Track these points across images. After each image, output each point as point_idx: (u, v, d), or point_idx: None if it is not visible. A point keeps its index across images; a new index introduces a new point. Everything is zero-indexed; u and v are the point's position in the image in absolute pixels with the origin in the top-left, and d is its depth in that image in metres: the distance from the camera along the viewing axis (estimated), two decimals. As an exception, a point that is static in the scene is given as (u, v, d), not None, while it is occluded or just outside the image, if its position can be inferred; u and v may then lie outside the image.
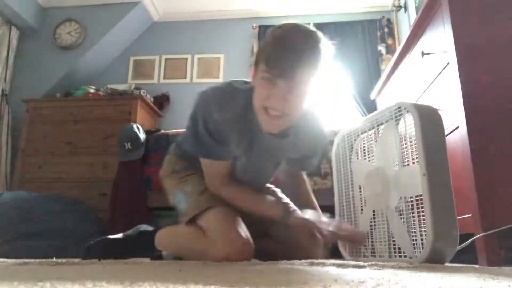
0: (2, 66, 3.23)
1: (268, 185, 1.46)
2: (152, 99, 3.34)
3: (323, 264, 0.93)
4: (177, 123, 3.11)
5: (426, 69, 1.56)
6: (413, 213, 1.10)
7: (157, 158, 2.30)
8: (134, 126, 2.49)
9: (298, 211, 1.17)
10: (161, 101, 3.49)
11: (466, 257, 1.17)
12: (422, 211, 1.05)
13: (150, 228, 1.39)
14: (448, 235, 1.04)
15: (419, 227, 1.07)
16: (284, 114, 1.01)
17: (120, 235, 1.35)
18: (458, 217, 1.07)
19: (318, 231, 1.14)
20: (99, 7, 3.55)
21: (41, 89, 3.31)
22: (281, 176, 1.48)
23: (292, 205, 1.21)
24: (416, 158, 1.10)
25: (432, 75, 1.50)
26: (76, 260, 1.02)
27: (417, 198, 1.08)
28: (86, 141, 2.84)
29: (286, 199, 1.28)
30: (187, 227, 1.22)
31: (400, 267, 0.87)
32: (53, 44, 3.46)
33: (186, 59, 3.72)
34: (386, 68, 2.18)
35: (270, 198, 1.25)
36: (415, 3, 2.88)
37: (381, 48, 3.36)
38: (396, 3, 3.31)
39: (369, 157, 1.31)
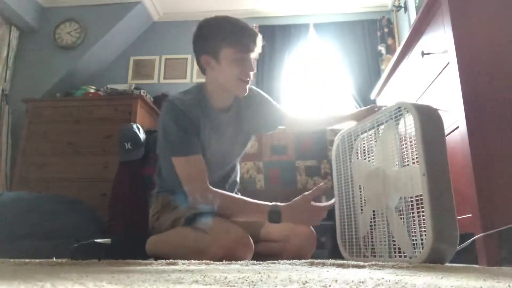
0: (2, 66, 3.23)
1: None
2: (152, 99, 3.35)
3: (323, 264, 0.93)
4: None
5: (426, 69, 1.56)
6: (413, 213, 1.10)
7: (157, 158, 2.30)
8: (134, 126, 2.49)
9: (285, 207, 1.20)
10: (161, 101, 3.50)
11: (466, 257, 1.17)
12: (422, 211, 1.04)
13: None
14: (448, 235, 1.04)
15: (419, 227, 1.06)
16: (251, 79, 1.31)
17: (108, 240, 1.34)
18: (458, 217, 1.07)
19: (311, 223, 1.23)
20: (99, 7, 3.55)
21: (41, 89, 3.31)
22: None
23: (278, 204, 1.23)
24: (416, 158, 1.10)
25: (432, 75, 1.50)
26: (76, 260, 1.02)
27: (417, 198, 1.08)
28: (86, 141, 2.84)
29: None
30: (184, 228, 1.23)
31: (400, 267, 0.87)
32: (53, 44, 3.46)
33: (186, 59, 3.72)
34: (386, 68, 2.18)
35: (254, 200, 1.27)
36: (415, 3, 2.88)
37: (381, 48, 3.36)
38: (396, 3, 3.31)
39: (369, 157, 1.31)
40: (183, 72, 3.69)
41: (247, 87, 1.33)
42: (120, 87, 3.25)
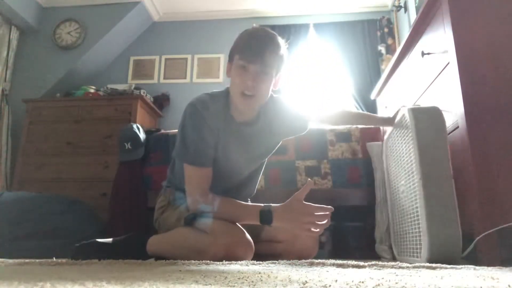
0: (2, 66, 3.23)
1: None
2: (152, 99, 3.35)
3: (323, 264, 0.93)
4: (177, 123, 3.09)
5: (426, 69, 1.56)
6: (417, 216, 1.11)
7: (157, 158, 2.30)
8: (134, 126, 2.49)
9: (277, 207, 1.15)
10: (161, 101, 3.50)
11: (466, 257, 1.17)
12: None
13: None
14: (448, 237, 1.04)
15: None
16: (255, 94, 1.21)
17: (109, 240, 1.34)
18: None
19: (305, 228, 1.14)
20: (99, 7, 3.55)
21: (41, 89, 3.30)
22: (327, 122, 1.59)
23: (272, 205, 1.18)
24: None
25: (432, 75, 1.50)
26: (76, 260, 1.02)
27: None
28: (86, 141, 2.84)
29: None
30: (185, 228, 1.23)
31: (400, 267, 0.87)
32: (53, 44, 3.46)
33: (186, 59, 3.72)
34: (386, 68, 2.18)
35: (250, 204, 1.25)
36: (415, 3, 2.88)
37: (381, 48, 3.36)
38: (396, 3, 3.31)
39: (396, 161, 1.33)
40: (183, 72, 3.69)
41: (251, 102, 1.23)
42: (120, 87, 3.25)
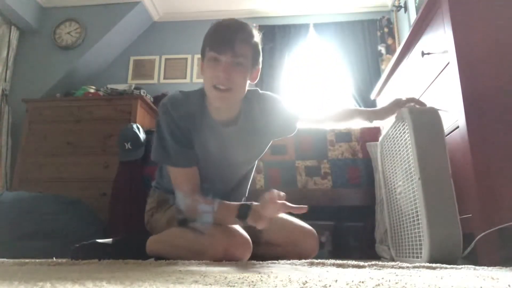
0: (2, 66, 3.23)
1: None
2: (152, 99, 3.35)
3: (323, 264, 0.93)
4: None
5: (426, 69, 1.56)
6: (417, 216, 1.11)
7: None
8: (134, 126, 2.49)
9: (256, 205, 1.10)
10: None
11: (466, 257, 1.17)
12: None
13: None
14: (449, 237, 1.04)
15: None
16: (230, 87, 1.14)
17: (109, 240, 1.33)
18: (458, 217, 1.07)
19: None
20: (99, 7, 3.55)
21: (41, 89, 3.30)
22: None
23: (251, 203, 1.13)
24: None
25: (432, 75, 1.50)
26: (76, 260, 1.02)
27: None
28: (86, 141, 2.84)
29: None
30: (183, 228, 1.23)
31: (400, 267, 0.87)
32: (53, 44, 3.46)
33: (186, 59, 3.72)
34: (386, 68, 2.18)
35: (230, 202, 1.18)
36: (415, 3, 2.88)
37: (381, 48, 3.36)
38: (396, 3, 3.31)
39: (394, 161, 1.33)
40: (183, 72, 3.69)
41: (226, 96, 1.15)
42: (120, 87, 3.25)
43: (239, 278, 0.61)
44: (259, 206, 1.07)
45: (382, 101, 2.36)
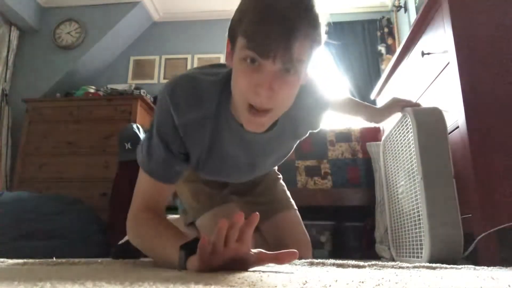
0: (2, 66, 3.23)
1: None
2: (152, 99, 3.34)
3: (323, 264, 0.93)
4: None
5: (426, 69, 1.56)
6: (419, 216, 1.11)
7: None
8: (134, 126, 2.49)
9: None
10: (161, 101, 3.50)
11: (466, 257, 1.17)
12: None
13: None
14: (450, 237, 1.04)
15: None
16: (271, 108, 0.75)
17: None
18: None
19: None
20: (99, 7, 3.55)
21: (41, 89, 3.31)
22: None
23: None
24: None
25: (432, 75, 1.50)
26: (76, 260, 1.02)
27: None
28: (86, 141, 2.84)
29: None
30: (187, 228, 1.23)
31: (400, 267, 0.87)
32: (53, 44, 3.46)
33: (186, 59, 3.72)
34: (386, 68, 2.18)
35: (175, 240, 0.78)
36: (415, 3, 2.88)
37: (381, 48, 3.36)
38: (396, 3, 3.31)
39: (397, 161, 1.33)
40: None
41: (264, 121, 0.78)
42: (120, 87, 3.25)
43: (239, 278, 0.61)
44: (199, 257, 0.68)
45: (382, 101, 2.36)
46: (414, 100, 1.65)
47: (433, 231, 1.05)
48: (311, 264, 0.94)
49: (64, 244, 1.99)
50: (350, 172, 2.15)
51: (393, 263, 0.95)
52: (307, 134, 1.08)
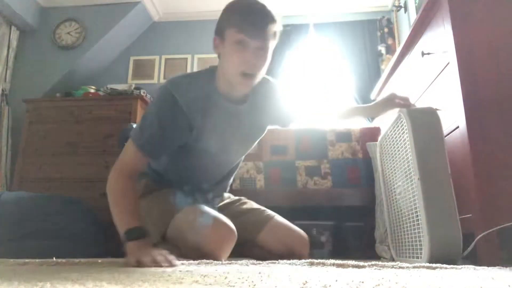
0: (2, 66, 3.23)
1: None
2: (152, 99, 3.35)
3: (323, 264, 0.93)
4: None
5: (426, 69, 1.56)
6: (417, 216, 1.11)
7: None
8: (134, 126, 2.49)
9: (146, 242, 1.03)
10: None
11: (466, 257, 1.17)
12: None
13: None
14: (449, 237, 1.04)
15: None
16: (256, 72, 1.14)
17: None
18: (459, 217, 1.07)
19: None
20: (99, 7, 3.55)
21: (41, 89, 3.30)
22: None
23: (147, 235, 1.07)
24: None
25: (432, 75, 1.50)
26: (76, 260, 1.02)
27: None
28: (86, 141, 2.84)
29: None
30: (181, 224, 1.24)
31: (400, 267, 0.87)
32: (53, 44, 3.46)
33: (186, 59, 3.72)
34: (386, 68, 2.18)
35: (135, 215, 1.10)
36: (415, 3, 2.88)
37: (381, 48, 3.36)
38: (396, 3, 3.31)
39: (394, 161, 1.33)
40: (183, 72, 3.69)
41: (251, 82, 1.16)
42: (120, 87, 3.25)
43: (239, 278, 0.61)
44: (150, 253, 0.94)
45: (382, 101, 2.36)
46: (413, 100, 1.65)
47: (432, 231, 1.05)
48: (311, 264, 0.94)
49: (64, 244, 1.99)
50: (350, 172, 2.15)
51: (393, 263, 0.95)
52: (275, 125, 1.44)
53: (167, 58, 3.74)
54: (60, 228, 2.05)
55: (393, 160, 1.35)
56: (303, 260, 1.03)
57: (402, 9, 3.23)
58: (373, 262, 0.93)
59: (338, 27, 3.54)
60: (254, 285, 0.54)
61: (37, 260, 1.03)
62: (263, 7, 1.12)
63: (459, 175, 1.21)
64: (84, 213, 2.27)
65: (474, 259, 1.13)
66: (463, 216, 1.18)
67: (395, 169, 1.34)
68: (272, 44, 1.16)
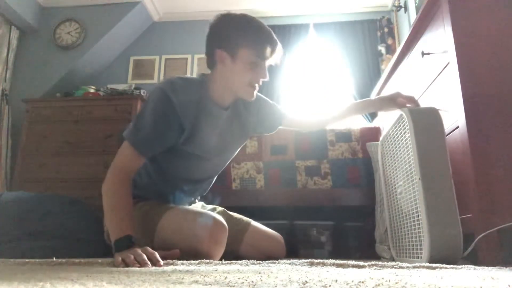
0: (2, 66, 3.23)
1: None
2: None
3: (323, 264, 0.93)
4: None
5: (426, 69, 1.56)
6: (418, 216, 1.11)
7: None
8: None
9: (135, 250, 1.00)
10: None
11: (466, 257, 1.17)
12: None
13: None
14: (449, 237, 1.04)
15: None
16: (260, 84, 1.28)
17: None
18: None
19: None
20: (99, 7, 3.55)
21: (41, 89, 3.31)
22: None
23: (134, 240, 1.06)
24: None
25: (432, 75, 1.50)
26: (76, 260, 1.02)
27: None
28: (86, 141, 2.84)
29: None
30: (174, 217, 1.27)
31: (400, 267, 0.87)
32: (53, 44, 3.46)
33: (186, 59, 3.72)
34: (386, 68, 2.18)
35: (128, 222, 1.10)
36: (415, 3, 2.88)
37: (381, 48, 3.36)
38: (396, 3, 3.31)
39: (395, 161, 1.33)
40: (183, 72, 3.69)
41: (256, 92, 1.29)
42: (120, 87, 3.25)
43: (239, 278, 0.61)
44: (133, 252, 0.98)
45: (382, 101, 2.35)
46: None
47: (432, 231, 1.05)
48: (311, 264, 0.94)
49: (64, 244, 1.99)
50: (350, 172, 2.15)
51: (393, 263, 0.95)
52: (256, 133, 1.54)
53: (167, 58, 3.74)
54: (60, 228, 2.05)
55: (395, 159, 1.35)
56: (303, 260, 1.03)
57: (402, 9, 3.23)
58: (373, 262, 0.93)
59: (338, 27, 3.54)
60: (254, 285, 0.54)
61: (37, 260, 1.03)
62: (271, 31, 1.24)
63: (459, 175, 1.20)
64: (84, 213, 2.27)
65: (474, 259, 1.13)
66: (463, 216, 1.18)
67: (396, 169, 1.34)
68: None
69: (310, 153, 2.21)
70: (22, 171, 2.84)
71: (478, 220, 1.14)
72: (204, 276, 0.64)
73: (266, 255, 1.42)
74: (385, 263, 0.95)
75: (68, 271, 0.75)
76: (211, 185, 1.52)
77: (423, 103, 1.58)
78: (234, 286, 0.52)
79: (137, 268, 0.86)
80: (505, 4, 1.33)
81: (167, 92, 1.18)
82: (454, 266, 0.90)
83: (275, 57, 1.26)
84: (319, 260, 0.98)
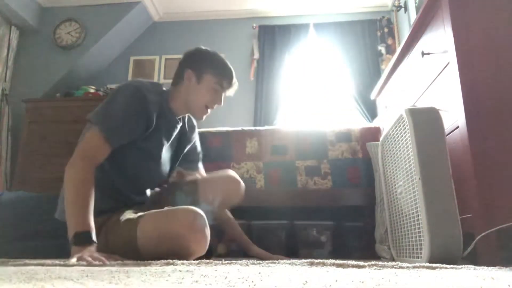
0: (2, 66, 3.23)
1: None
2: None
3: (323, 264, 0.93)
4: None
5: (426, 69, 1.56)
6: (418, 215, 1.11)
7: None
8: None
9: (90, 248, 1.07)
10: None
11: (466, 257, 1.17)
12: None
13: None
14: (448, 237, 1.04)
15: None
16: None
17: None
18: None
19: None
20: (99, 7, 3.55)
21: (41, 89, 3.31)
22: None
23: (93, 236, 1.11)
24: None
25: (432, 75, 1.50)
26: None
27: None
28: (86, 141, 2.84)
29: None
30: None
31: (400, 267, 0.87)
32: (53, 44, 3.46)
33: (186, 59, 3.72)
34: (386, 68, 2.18)
35: (88, 216, 1.15)
36: (415, 3, 2.88)
37: (381, 48, 3.36)
38: (396, 3, 3.31)
39: (395, 161, 1.33)
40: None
41: (207, 115, 1.41)
42: (120, 87, 3.24)
43: (239, 278, 0.61)
44: (87, 252, 1.04)
45: (382, 101, 2.36)
46: (414, 100, 1.66)
47: (432, 231, 1.05)
48: (311, 264, 0.94)
49: (64, 244, 1.99)
50: (350, 172, 2.15)
51: (393, 263, 0.95)
52: (183, 152, 1.56)
53: (167, 58, 3.74)
54: (60, 228, 2.05)
55: (395, 159, 1.35)
56: (303, 260, 1.03)
57: (402, 9, 3.23)
58: (373, 262, 0.93)
59: (338, 27, 3.54)
60: (254, 285, 0.54)
61: (37, 260, 1.03)
62: (233, 70, 1.42)
63: (459, 175, 1.21)
64: (84, 213, 2.27)
65: (474, 259, 1.13)
66: (463, 216, 1.18)
67: (396, 169, 1.34)
68: None
69: (310, 153, 2.21)
70: (22, 171, 2.83)
71: (478, 220, 1.14)
72: (204, 276, 0.64)
73: (223, 192, 1.43)
74: (385, 263, 0.95)
75: (68, 271, 0.75)
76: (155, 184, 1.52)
77: (423, 103, 1.58)
78: (234, 286, 0.52)
79: (137, 268, 0.86)
80: (504, 4, 1.33)
81: (141, 88, 1.26)
82: (454, 266, 0.90)
83: (231, 90, 1.42)
84: (319, 260, 0.98)
